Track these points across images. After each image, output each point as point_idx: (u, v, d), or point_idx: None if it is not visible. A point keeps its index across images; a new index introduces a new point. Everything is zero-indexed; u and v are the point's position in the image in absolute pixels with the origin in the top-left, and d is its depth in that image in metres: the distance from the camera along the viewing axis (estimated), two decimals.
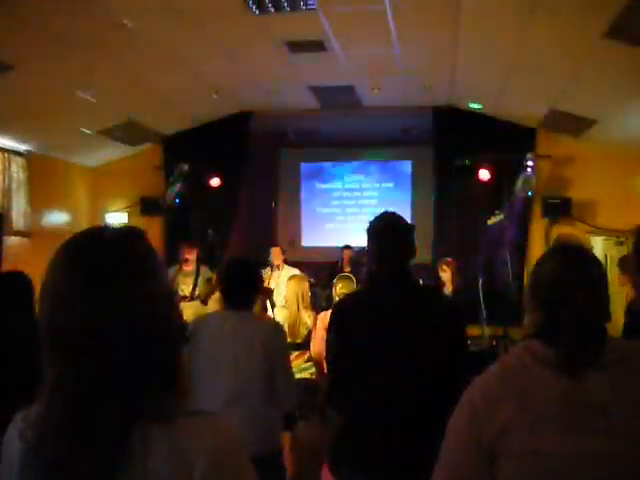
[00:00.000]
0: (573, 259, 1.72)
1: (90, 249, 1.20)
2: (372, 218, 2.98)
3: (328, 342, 2.98)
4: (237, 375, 3.31)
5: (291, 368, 3.65)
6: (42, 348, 1.16)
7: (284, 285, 6.72)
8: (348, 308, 3.02)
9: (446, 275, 7.85)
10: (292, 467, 4.41)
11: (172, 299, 1.30)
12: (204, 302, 6.32)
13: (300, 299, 5.64)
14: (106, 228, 1.26)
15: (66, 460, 1.10)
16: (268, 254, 8.81)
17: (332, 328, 2.95)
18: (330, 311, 5.15)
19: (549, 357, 1.62)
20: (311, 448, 4.38)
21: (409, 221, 3.00)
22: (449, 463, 1.69)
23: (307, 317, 5.63)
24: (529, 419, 1.56)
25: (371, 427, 2.73)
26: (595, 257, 1.77)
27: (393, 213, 2.99)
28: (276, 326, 3.73)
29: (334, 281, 5.92)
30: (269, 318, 4.53)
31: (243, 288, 3.55)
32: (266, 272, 8.21)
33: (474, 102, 8.71)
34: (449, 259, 8.21)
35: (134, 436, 1.11)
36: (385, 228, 2.90)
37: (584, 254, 1.75)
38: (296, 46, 7.23)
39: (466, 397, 1.70)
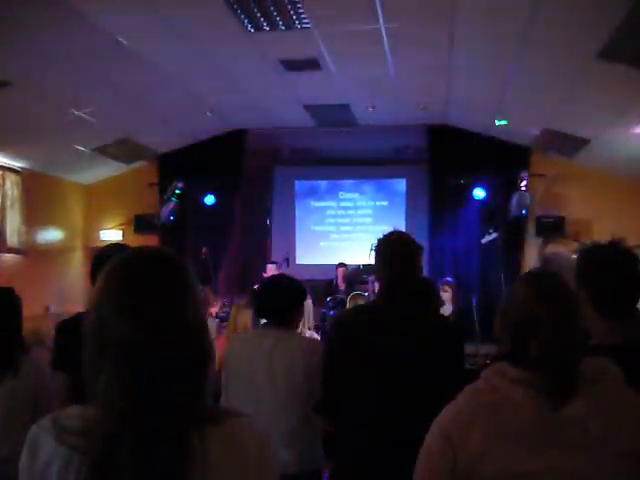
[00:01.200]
0: (537, 286, 1.69)
1: (146, 265, 1.31)
2: (380, 236, 2.95)
3: (324, 353, 2.97)
4: (275, 393, 3.23)
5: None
6: (91, 356, 1.23)
7: None
8: (348, 322, 3.01)
9: (447, 295, 7.88)
10: None
11: (202, 312, 1.38)
12: None
13: (305, 318, 5.60)
14: (154, 248, 1.38)
15: (127, 465, 1.16)
16: (264, 271, 8.81)
17: (329, 340, 2.96)
18: None
19: (520, 377, 1.59)
20: None
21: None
22: None
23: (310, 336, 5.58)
24: (505, 437, 1.54)
25: (360, 444, 2.71)
26: (560, 280, 1.72)
27: (399, 231, 2.98)
28: (314, 342, 3.61)
29: (347, 299, 5.90)
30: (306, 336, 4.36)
31: (282, 305, 3.43)
32: None
33: (500, 119, 8.63)
34: (450, 280, 8.24)
35: (193, 439, 1.20)
36: (398, 248, 2.88)
37: (554, 281, 1.71)
38: (291, 64, 7.27)
39: (438, 425, 1.67)
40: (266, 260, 10.18)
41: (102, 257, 2.75)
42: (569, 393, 1.56)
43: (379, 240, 2.92)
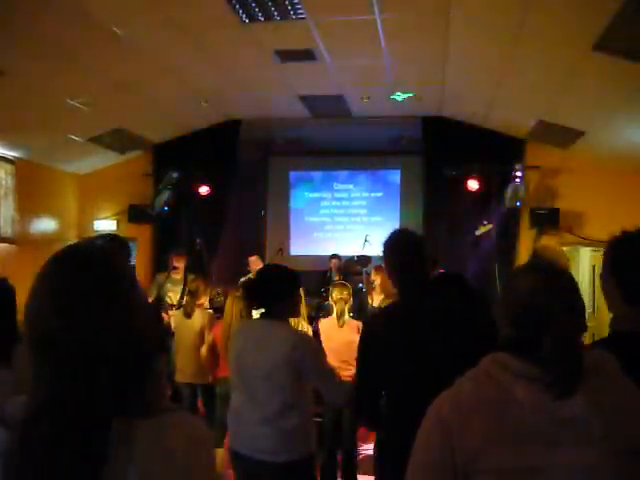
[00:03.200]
0: (544, 277, 1.69)
1: (76, 264, 1.33)
2: (387, 236, 3.12)
3: (361, 354, 3.05)
4: (262, 382, 3.33)
5: (328, 367, 3.55)
6: (29, 350, 1.27)
7: None
8: (382, 320, 3.14)
9: None
10: None
11: (146, 310, 1.43)
12: (188, 315, 6.20)
13: None
14: (91, 243, 1.39)
15: (40, 454, 1.19)
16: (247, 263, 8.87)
17: (365, 340, 3.03)
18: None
19: (524, 371, 1.59)
20: None
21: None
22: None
23: (302, 326, 5.61)
24: (507, 433, 1.54)
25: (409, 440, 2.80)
26: (565, 271, 1.75)
27: (403, 230, 3.19)
28: (299, 335, 3.63)
29: (330, 288, 5.94)
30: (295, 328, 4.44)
31: (270, 296, 3.50)
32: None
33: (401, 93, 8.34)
34: (442, 270, 8.25)
35: (118, 429, 1.22)
36: (405, 245, 3.05)
37: (554, 270, 1.73)
38: (286, 55, 7.25)
39: (434, 411, 1.66)
40: (261, 250, 10.18)
41: None
42: (573, 388, 1.56)
43: (386, 243, 3.07)
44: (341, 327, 5.58)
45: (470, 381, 1.67)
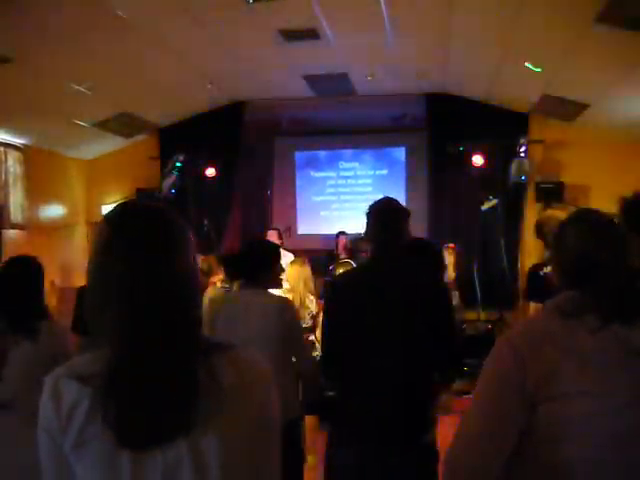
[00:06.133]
0: (592, 226, 1.77)
1: (144, 218, 1.39)
2: (370, 203, 3.17)
3: (323, 316, 3.22)
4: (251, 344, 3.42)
5: (304, 339, 3.78)
6: (95, 302, 1.33)
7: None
8: (342, 283, 3.27)
9: (450, 259, 8.03)
10: None
11: (196, 266, 1.48)
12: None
13: (303, 283, 5.70)
14: (150, 202, 1.46)
15: (139, 396, 1.26)
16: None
17: (327, 303, 3.19)
18: None
19: (588, 303, 1.66)
20: None
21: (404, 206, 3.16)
22: (491, 408, 1.70)
23: (309, 302, 5.69)
24: (576, 363, 1.60)
25: (365, 397, 2.89)
26: (612, 220, 1.81)
27: (388, 198, 3.20)
28: (285, 302, 3.82)
29: (333, 266, 6.01)
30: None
31: (255, 266, 3.66)
32: None
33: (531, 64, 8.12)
34: (451, 245, 8.34)
35: (200, 363, 1.31)
36: (379, 211, 3.10)
37: (601, 219, 1.80)
38: (290, 34, 7.26)
39: (507, 342, 1.71)
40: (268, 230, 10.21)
41: None
42: (634, 317, 1.62)
43: (368, 207, 3.14)
44: None
45: (540, 315, 1.78)
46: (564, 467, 1.61)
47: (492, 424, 1.68)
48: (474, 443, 1.71)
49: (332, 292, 3.21)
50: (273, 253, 3.79)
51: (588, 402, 1.58)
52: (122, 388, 1.26)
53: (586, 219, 1.81)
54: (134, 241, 1.33)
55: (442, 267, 3.23)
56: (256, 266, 3.66)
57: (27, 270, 3.21)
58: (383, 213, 3.06)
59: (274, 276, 3.79)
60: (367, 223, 3.10)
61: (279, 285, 4.16)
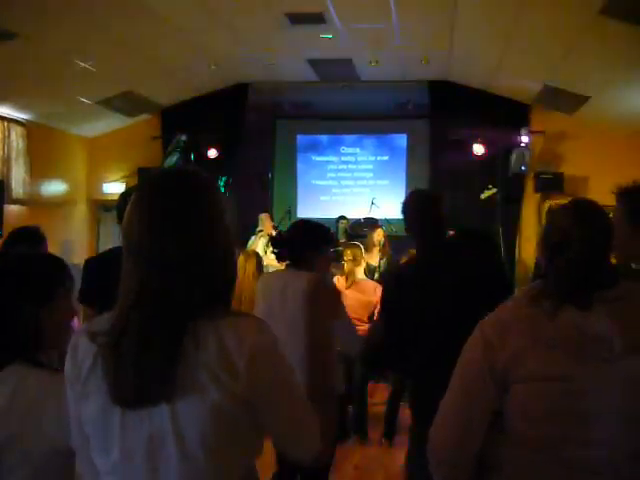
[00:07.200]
0: (579, 212, 1.84)
1: (171, 184, 1.45)
2: (406, 197, 3.30)
3: (384, 308, 3.26)
4: (285, 326, 3.41)
5: (346, 315, 3.68)
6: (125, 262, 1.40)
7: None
8: (404, 275, 3.30)
9: None
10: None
11: (231, 232, 1.51)
12: None
13: None
14: (181, 168, 1.52)
15: (132, 351, 1.33)
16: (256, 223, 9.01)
17: (388, 294, 3.24)
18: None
19: (550, 289, 1.75)
20: None
21: (404, 193, 3.25)
22: (462, 393, 1.81)
23: None
24: (541, 348, 1.70)
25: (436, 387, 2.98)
26: (600, 209, 1.88)
27: (424, 190, 3.39)
28: (320, 280, 3.69)
29: (340, 249, 6.06)
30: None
31: (299, 248, 3.62)
32: (256, 239, 8.51)
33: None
34: (451, 232, 8.39)
35: (188, 332, 1.33)
36: (422, 204, 3.20)
37: (593, 208, 1.87)
38: (296, 18, 7.29)
39: (479, 330, 1.82)
40: (269, 212, 10.26)
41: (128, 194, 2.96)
42: (588, 301, 1.70)
43: (405, 203, 3.22)
44: (349, 287, 5.72)
45: (510, 303, 1.86)
46: (534, 444, 1.72)
47: (465, 406, 1.79)
48: (450, 423, 1.82)
49: (395, 283, 3.26)
50: (321, 236, 3.72)
51: (551, 385, 1.69)
52: (116, 347, 1.34)
53: (575, 203, 1.89)
54: (156, 209, 1.39)
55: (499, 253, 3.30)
56: (300, 248, 3.60)
57: (31, 239, 3.29)
58: (422, 205, 3.17)
59: (321, 259, 3.69)
60: (406, 219, 3.19)
61: (326, 269, 4.04)
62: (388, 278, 3.45)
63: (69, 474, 1.58)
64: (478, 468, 1.83)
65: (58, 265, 1.84)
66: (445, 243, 3.13)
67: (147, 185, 1.47)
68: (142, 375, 1.31)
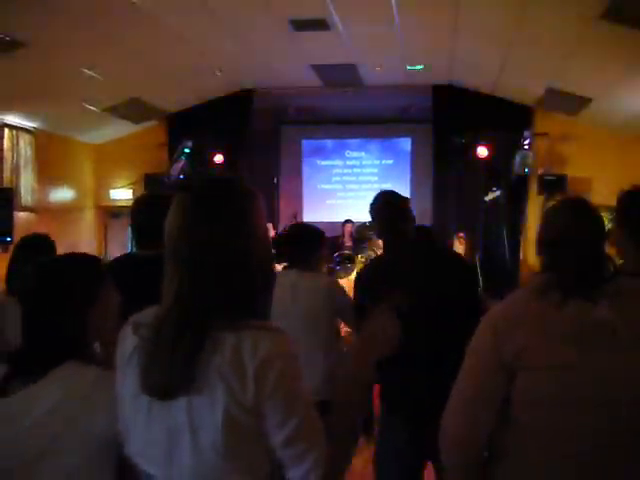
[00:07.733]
0: (576, 210, 1.93)
1: (213, 192, 1.50)
2: (372, 197, 3.33)
3: (355, 302, 3.34)
4: (298, 319, 3.54)
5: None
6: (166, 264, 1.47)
7: None
8: (371, 270, 3.43)
9: (461, 248, 8.30)
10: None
11: (268, 241, 1.56)
12: None
13: None
14: (224, 177, 1.56)
15: (162, 347, 1.41)
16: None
17: (358, 288, 3.31)
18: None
19: (556, 282, 1.82)
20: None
21: (408, 196, 3.35)
22: (472, 381, 1.87)
23: None
24: (545, 339, 1.76)
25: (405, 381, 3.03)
26: (593, 208, 1.96)
27: (386, 193, 3.35)
28: (333, 283, 3.93)
29: (339, 254, 6.14)
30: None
31: (301, 249, 3.78)
32: None
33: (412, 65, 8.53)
34: (462, 234, 8.54)
35: (209, 337, 1.38)
36: (385, 205, 3.26)
37: (588, 207, 1.95)
38: (300, 24, 7.37)
39: (487, 320, 1.89)
40: (275, 217, 10.36)
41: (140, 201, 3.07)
42: (592, 293, 1.77)
43: (370, 205, 3.28)
44: None
45: (519, 295, 1.92)
46: (535, 433, 1.78)
47: (476, 393, 1.86)
48: (461, 410, 1.88)
49: (362, 278, 3.36)
50: (320, 238, 3.90)
51: (556, 375, 1.75)
52: (151, 341, 1.43)
53: (571, 202, 1.99)
54: (197, 215, 1.45)
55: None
56: (302, 249, 3.77)
57: (41, 246, 3.36)
58: (383, 211, 3.23)
59: (318, 260, 3.88)
60: (373, 221, 3.28)
61: (320, 269, 4.20)
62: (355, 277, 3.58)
63: (110, 468, 1.64)
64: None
65: (98, 263, 1.88)
66: (410, 242, 3.20)
67: (190, 191, 1.51)
68: (166, 370, 1.38)
